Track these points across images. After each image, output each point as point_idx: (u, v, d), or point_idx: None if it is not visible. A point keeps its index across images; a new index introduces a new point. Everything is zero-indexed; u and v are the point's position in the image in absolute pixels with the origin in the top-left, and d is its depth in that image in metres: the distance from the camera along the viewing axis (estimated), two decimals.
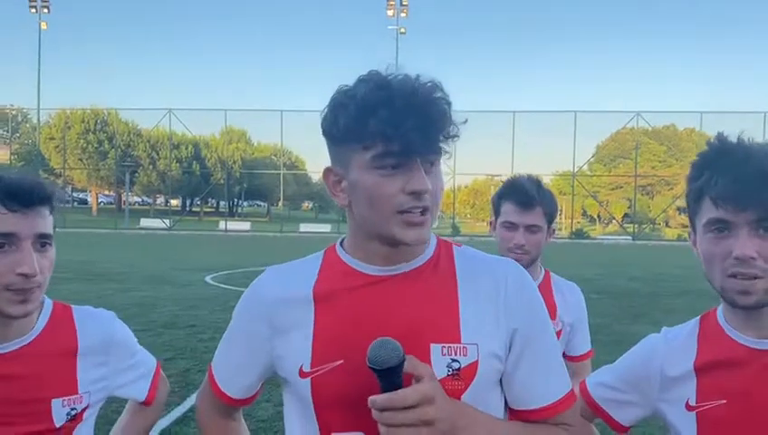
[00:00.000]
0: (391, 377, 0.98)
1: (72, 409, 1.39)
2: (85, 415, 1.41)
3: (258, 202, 63.44)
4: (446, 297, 1.15)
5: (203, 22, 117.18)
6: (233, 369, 1.27)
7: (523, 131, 40.23)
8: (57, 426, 1.37)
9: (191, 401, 5.38)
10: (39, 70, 41.55)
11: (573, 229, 40.19)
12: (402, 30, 43.35)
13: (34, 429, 1.35)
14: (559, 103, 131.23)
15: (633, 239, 37.02)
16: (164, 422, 4.74)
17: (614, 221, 47.86)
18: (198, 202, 52.32)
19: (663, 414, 1.31)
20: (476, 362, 1.11)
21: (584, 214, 56.39)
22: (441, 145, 1.10)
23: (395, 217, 1.09)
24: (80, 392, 1.40)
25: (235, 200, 55.68)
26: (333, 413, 1.12)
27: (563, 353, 2.37)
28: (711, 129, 41.81)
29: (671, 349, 1.31)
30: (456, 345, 1.11)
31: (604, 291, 13.22)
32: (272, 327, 1.18)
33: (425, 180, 1.08)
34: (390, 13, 43.29)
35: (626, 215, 49.66)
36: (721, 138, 1.20)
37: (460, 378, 1.10)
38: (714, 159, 1.18)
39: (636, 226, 41.69)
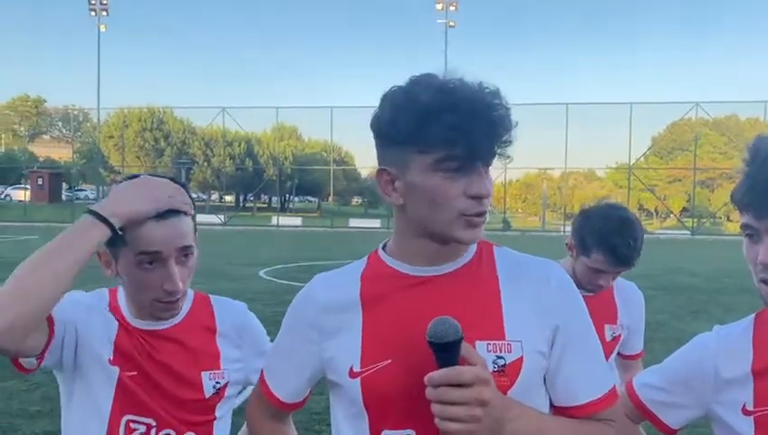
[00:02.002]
0: (449, 353, 1.01)
1: (217, 383, 1.54)
2: (226, 393, 1.55)
3: (309, 198, 64.13)
4: (489, 295, 1.18)
5: (253, 22, 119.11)
6: (284, 372, 1.31)
7: (577, 124, 39.32)
8: (206, 397, 1.53)
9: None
10: (99, 71, 43.07)
11: None
12: (451, 24, 42.99)
13: (189, 397, 1.51)
14: (614, 95, 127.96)
15: (692, 234, 35.79)
16: None
17: (672, 215, 46.42)
18: (251, 198, 53.27)
19: (717, 416, 1.28)
20: (521, 358, 1.13)
21: (640, 208, 54.82)
22: (499, 150, 1.14)
23: (458, 219, 1.13)
24: (222, 368, 1.55)
25: (287, 196, 56.46)
26: (383, 412, 1.15)
27: (618, 352, 2.34)
28: None
29: (725, 349, 1.27)
30: (500, 342, 1.13)
31: (662, 287, 12.86)
32: (321, 331, 1.22)
33: (487, 185, 1.13)
34: (439, 6, 42.97)
35: (684, 209, 48.02)
36: (756, 139, 1.19)
37: (506, 374, 1.12)
38: (745, 164, 1.18)
39: (695, 220, 40.29)
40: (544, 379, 1.19)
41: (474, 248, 1.23)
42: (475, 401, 0.99)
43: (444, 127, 1.08)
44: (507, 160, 1.17)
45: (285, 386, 1.31)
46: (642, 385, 1.40)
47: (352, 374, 1.17)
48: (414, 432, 1.13)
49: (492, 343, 1.13)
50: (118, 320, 1.51)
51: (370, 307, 1.19)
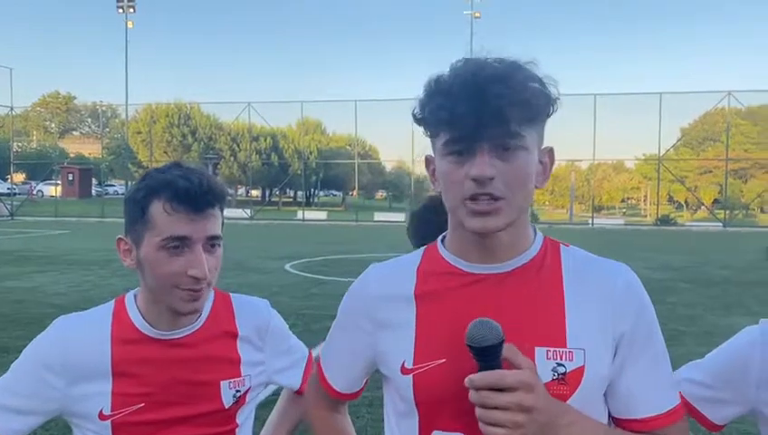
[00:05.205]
0: (489, 357, 0.97)
1: (237, 391, 1.46)
2: (248, 398, 1.48)
3: (333, 192, 64.38)
4: (552, 299, 1.12)
5: (278, 16, 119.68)
6: (339, 362, 1.29)
7: (606, 115, 38.69)
8: (226, 407, 1.45)
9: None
10: (126, 67, 43.62)
11: (659, 216, 38.50)
12: (477, 14, 42.64)
13: (207, 409, 1.43)
14: (643, 85, 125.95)
15: (724, 226, 35.07)
16: None
17: (703, 207, 45.53)
18: (277, 192, 53.62)
19: (763, 416, 1.23)
20: (583, 367, 1.07)
21: (670, 200, 53.88)
22: (512, 128, 1.04)
23: (463, 205, 1.07)
24: (242, 375, 1.47)
25: (312, 190, 56.71)
26: (435, 412, 1.11)
27: None
28: None
29: None
30: (561, 349, 1.08)
31: (695, 280, 12.64)
32: (375, 323, 1.19)
33: (485, 166, 1.04)
34: None
35: (716, 200, 47.04)
36: None
37: (566, 383, 1.07)
38: None
39: (727, 212, 39.46)
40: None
41: (538, 246, 1.17)
42: (516, 407, 0.95)
43: (435, 109, 1.06)
44: (521, 139, 1.05)
45: (340, 377, 1.29)
46: (683, 380, 1.35)
47: (404, 371, 1.13)
48: None
49: (552, 349, 1.08)
50: (112, 349, 1.39)
51: (425, 303, 1.15)
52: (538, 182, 1.13)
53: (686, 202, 51.53)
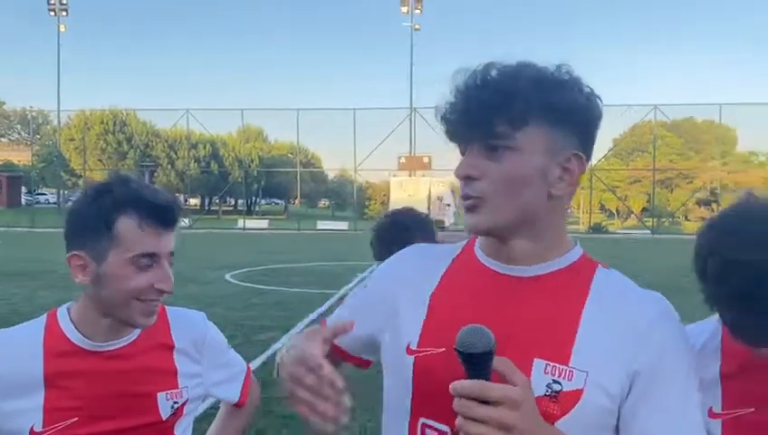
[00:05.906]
0: (477, 366, 0.93)
1: (175, 402, 1.46)
2: (185, 410, 1.48)
3: (275, 200, 63.71)
4: (568, 315, 1.07)
5: (218, 21, 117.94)
6: (349, 314, 1.27)
7: None
8: (164, 419, 1.44)
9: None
10: (59, 72, 42.05)
11: (591, 224, 39.83)
12: (417, 26, 43.14)
13: (144, 421, 1.42)
14: None
15: (652, 233, 36.60)
16: None
17: (633, 215, 47.39)
18: (217, 201, 52.64)
19: None
20: (581, 390, 1.01)
21: (602, 208, 55.80)
22: (498, 128, 1.04)
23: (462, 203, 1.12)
24: (179, 387, 1.47)
25: (253, 198, 55.96)
26: (426, 399, 1.10)
27: None
28: (731, 120, 41.18)
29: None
30: (561, 366, 1.03)
31: None
32: (396, 298, 1.20)
33: (464, 165, 1.08)
34: (404, 9, 43.10)
35: (644, 209, 49.06)
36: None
37: (557, 402, 1.01)
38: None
39: (655, 220, 41.20)
40: (617, 428, 1.06)
41: (571, 259, 1.13)
42: (496, 423, 0.89)
43: (443, 110, 1.10)
44: (509, 141, 1.05)
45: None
46: None
47: (409, 351, 1.13)
48: (449, 431, 1.05)
49: (551, 365, 1.02)
50: (44, 362, 1.37)
51: (444, 290, 1.15)
52: (556, 188, 1.08)
53: (616, 211, 53.45)
